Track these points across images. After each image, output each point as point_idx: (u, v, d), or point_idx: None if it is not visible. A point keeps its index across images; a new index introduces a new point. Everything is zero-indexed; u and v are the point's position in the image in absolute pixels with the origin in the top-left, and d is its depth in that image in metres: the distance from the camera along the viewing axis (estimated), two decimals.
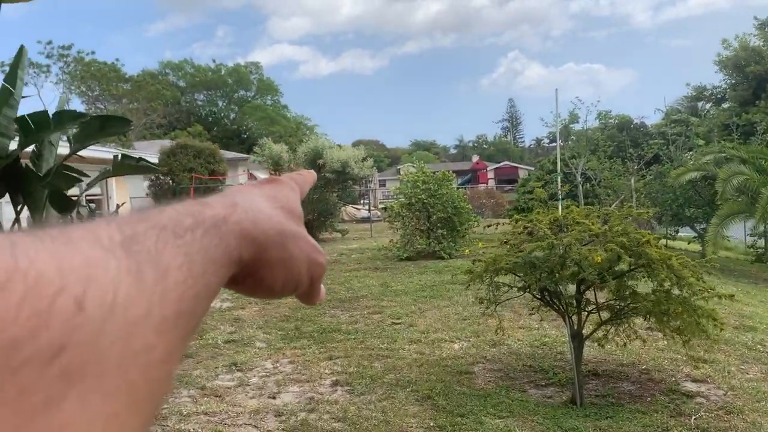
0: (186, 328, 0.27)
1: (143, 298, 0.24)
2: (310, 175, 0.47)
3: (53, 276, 0.22)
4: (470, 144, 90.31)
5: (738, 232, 15.47)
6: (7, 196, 3.71)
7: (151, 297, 0.25)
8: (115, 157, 3.82)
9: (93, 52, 40.88)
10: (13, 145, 3.52)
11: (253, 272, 0.33)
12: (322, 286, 0.40)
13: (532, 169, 38.52)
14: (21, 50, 3.67)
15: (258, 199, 0.36)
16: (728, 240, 14.68)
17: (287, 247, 0.35)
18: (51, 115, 3.34)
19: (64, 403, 0.21)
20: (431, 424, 4.21)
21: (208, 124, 55.92)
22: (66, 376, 0.21)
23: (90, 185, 4.00)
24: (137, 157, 4.10)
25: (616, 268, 4.41)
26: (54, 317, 0.21)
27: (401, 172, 26.92)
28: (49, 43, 37.55)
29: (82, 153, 3.77)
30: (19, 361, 0.20)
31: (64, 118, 3.47)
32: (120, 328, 0.23)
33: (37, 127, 3.31)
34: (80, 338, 0.22)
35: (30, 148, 3.75)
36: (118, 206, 11.86)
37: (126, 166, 3.89)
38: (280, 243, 0.34)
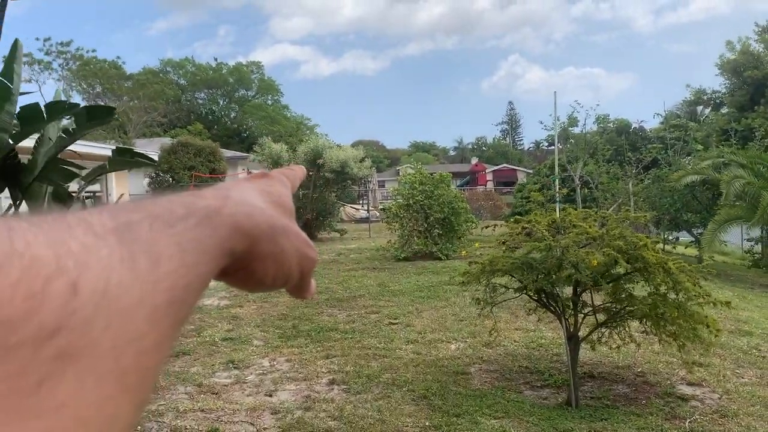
0: (177, 317, 0.27)
1: (136, 287, 0.24)
2: (300, 170, 0.48)
3: (49, 259, 0.22)
4: (469, 146, 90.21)
5: (735, 238, 15.49)
6: (6, 192, 3.71)
7: (144, 285, 0.25)
8: (113, 151, 3.82)
9: (94, 50, 40.98)
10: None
11: (245, 265, 0.33)
12: (312, 280, 0.40)
13: (531, 172, 38.51)
14: (15, 44, 3.62)
15: (251, 193, 0.36)
16: (725, 245, 14.68)
17: (278, 240, 0.35)
18: (43, 107, 3.34)
19: (60, 385, 0.21)
20: (427, 424, 4.21)
21: (209, 122, 55.88)
22: (61, 358, 0.21)
23: (86, 179, 4.00)
24: (132, 150, 4.10)
25: (613, 272, 4.42)
26: (49, 300, 0.21)
27: (400, 173, 26.90)
28: (47, 39, 37.56)
29: (82, 150, 3.77)
30: (14, 341, 0.20)
31: (56, 108, 3.46)
32: (113, 315, 0.23)
33: (30, 119, 3.30)
34: (75, 322, 0.22)
35: (31, 144, 3.75)
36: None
37: (122, 161, 3.89)
38: (272, 237, 0.34)
